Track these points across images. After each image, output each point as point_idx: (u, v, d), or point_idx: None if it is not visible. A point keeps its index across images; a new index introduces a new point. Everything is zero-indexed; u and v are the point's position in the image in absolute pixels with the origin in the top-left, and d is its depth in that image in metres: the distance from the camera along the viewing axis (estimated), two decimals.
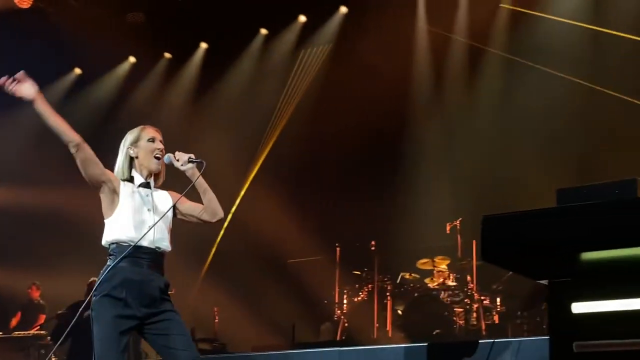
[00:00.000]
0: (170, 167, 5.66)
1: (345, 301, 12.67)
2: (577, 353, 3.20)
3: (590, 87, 13.21)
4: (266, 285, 13.93)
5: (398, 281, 12.49)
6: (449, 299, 11.76)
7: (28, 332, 14.18)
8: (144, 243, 5.34)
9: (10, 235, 15.59)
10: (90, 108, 16.60)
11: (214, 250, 15.86)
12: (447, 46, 14.79)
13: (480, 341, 8.44)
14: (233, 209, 15.65)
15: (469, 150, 14.06)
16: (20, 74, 5.48)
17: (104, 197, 5.50)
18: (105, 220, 5.49)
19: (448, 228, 12.11)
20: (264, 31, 16.22)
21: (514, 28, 14.17)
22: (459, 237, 12.10)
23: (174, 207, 5.61)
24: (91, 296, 5.22)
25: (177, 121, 16.21)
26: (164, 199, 5.61)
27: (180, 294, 14.64)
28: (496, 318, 11.68)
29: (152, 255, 5.39)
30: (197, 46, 16.63)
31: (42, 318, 14.40)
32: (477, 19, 14.49)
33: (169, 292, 13.98)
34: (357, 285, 12.68)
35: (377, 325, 12.08)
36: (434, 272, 12.13)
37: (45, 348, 13.92)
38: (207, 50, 16.59)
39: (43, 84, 16.18)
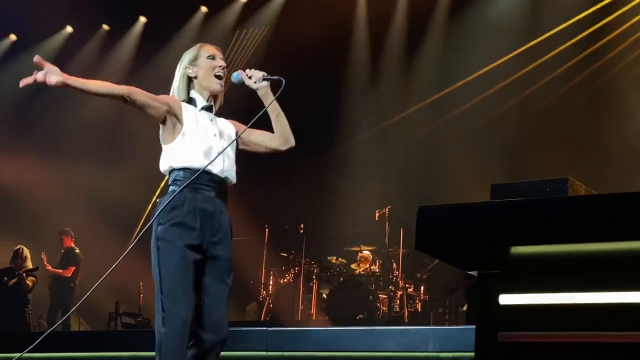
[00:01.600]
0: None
1: (271, 282, 12.68)
2: (502, 343, 3.26)
3: (525, 83, 13.43)
4: None
5: (325, 266, 12.57)
6: (373, 285, 11.85)
7: None
8: (214, 170, 4.91)
9: None
10: (24, 75, 16.36)
11: (141, 223, 15.74)
12: (386, 32, 14.87)
13: (403, 327, 8.58)
14: (161, 185, 15.57)
15: (401, 139, 14.17)
16: (38, 60, 4.84)
17: (165, 125, 5.02)
18: (165, 146, 5.03)
19: (377, 215, 12.17)
20: (204, 9, 16.16)
21: (455, 16, 14.31)
22: (387, 224, 12.17)
23: (238, 136, 5.11)
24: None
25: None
26: (228, 125, 5.18)
27: (107, 266, 14.57)
28: (419, 306, 11.76)
29: (221, 185, 4.99)
30: (136, 20, 16.52)
31: None
32: (418, 4, 14.62)
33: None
34: (283, 267, 12.69)
35: (302, 307, 12.14)
36: (361, 257, 12.21)
37: None
38: (146, 25, 16.49)
39: None
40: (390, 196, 12.52)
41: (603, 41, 13.22)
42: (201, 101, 5.08)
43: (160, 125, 5.03)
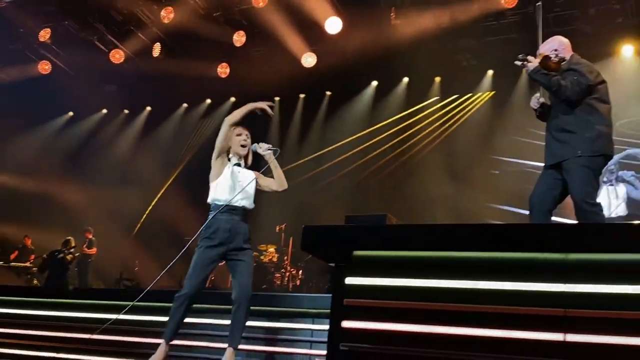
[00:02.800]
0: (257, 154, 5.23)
1: None
2: (346, 305, 3.27)
3: (366, 152, 13.61)
4: (169, 251, 13.51)
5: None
6: (273, 269, 11.79)
7: (21, 264, 13.60)
8: (235, 203, 4.98)
9: (16, 206, 14.96)
10: (76, 139, 16.17)
11: (139, 225, 15.41)
12: (291, 117, 14.85)
13: (289, 294, 8.53)
14: (154, 202, 15.32)
15: (294, 179, 13.99)
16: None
17: (216, 164, 5.11)
18: (210, 184, 5.09)
19: (277, 229, 12.14)
20: (185, 105, 15.98)
21: (332, 108, 14.50)
22: (283, 234, 12.15)
23: (256, 181, 5.17)
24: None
25: (127, 150, 15.83)
26: (249, 175, 5.18)
27: (116, 250, 14.24)
28: (298, 282, 11.70)
29: (239, 211, 5.01)
30: (144, 108, 16.28)
31: (32, 257, 13.81)
32: (309, 104, 14.69)
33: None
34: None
35: (231, 280, 11.94)
36: (267, 252, 12.15)
37: (31, 275, 13.39)
38: (150, 112, 16.26)
39: (47, 119, 15.61)
40: (286, 217, 12.46)
41: (407, 133, 13.48)
42: (234, 160, 5.16)
43: (213, 164, 5.12)
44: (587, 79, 4.76)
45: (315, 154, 14.24)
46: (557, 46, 5.04)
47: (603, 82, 4.87)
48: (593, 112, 4.76)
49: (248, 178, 5.17)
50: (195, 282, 4.87)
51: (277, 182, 5.20)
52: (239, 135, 5.19)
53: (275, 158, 5.21)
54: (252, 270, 5.00)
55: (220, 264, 5.24)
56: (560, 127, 4.83)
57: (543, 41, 5.22)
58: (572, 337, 2.83)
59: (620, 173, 7.45)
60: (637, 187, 7.39)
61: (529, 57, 4.96)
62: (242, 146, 5.17)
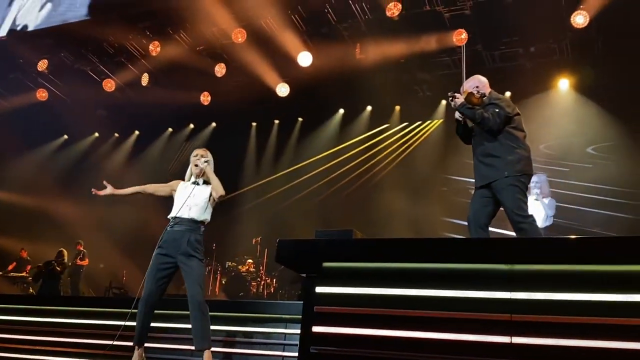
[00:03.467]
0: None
1: None
2: (316, 312, 3.27)
3: (333, 169, 13.59)
4: None
5: (225, 266, 12.35)
6: (249, 278, 11.71)
7: (19, 274, 13.30)
8: (183, 215, 4.99)
9: (14, 220, 14.64)
10: (70, 160, 15.88)
11: (127, 238, 15.14)
12: (266, 141, 14.71)
13: (264, 301, 8.47)
14: (141, 217, 15.08)
15: (269, 193, 13.95)
16: (95, 192, 5.36)
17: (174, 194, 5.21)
18: None
19: (254, 241, 12.08)
20: (170, 129, 15.83)
21: (303, 131, 14.33)
22: (259, 246, 12.08)
23: (211, 193, 5.13)
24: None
25: (117, 171, 15.62)
26: (206, 189, 5.16)
27: (106, 262, 13.99)
28: (272, 289, 11.64)
29: (187, 222, 4.98)
30: (132, 132, 16.11)
31: (28, 267, 13.50)
32: (283, 128, 14.58)
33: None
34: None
35: (211, 288, 11.88)
36: (244, 263, 12.06)
37: (27, 284, 13.11)
38: (138, 136, 16.09)
39: (44, 142, 15.36)
40: (261, 230, 12.39)
41: (369, 154, 13.52)
42: (192, 178, 5.25)
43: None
44: (505, 111, 5.01)
45: (287, 170, 14.19)
46: (477, 84, 5.34)
47: (518, 114, 5.15)
48: (513, 138, 5.00)
49: (198, 193, 5.16)
50: (148, 286, 4.87)
51: (213, 189, 5.16)
52: (195, 156, 5.28)
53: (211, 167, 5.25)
54: (198, 278, 4.87)
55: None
56: (487, 153, 5.04)
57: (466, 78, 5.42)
58: (517, 340, 2.85)
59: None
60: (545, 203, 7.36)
61: (456, 94, 5.16)
62: (195, 165, 5.24)
